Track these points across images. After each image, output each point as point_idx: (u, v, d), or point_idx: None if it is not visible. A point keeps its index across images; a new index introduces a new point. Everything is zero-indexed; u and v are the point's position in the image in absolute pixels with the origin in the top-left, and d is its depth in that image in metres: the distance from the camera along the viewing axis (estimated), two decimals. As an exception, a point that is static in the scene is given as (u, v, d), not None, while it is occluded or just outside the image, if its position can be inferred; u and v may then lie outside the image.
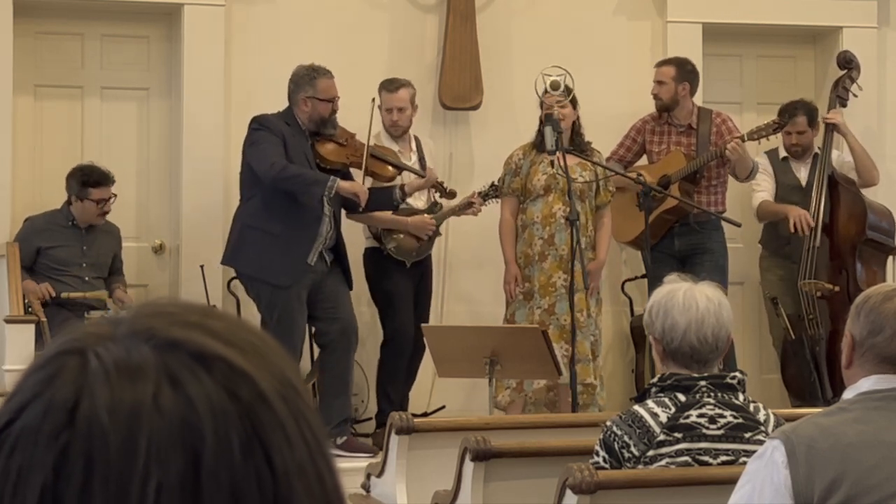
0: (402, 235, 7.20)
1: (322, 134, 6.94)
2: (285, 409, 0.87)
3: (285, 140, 6.78)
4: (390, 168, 7.09)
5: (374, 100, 6.98)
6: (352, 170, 7.01)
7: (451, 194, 7.32)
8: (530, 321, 6.95)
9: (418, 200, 7.34)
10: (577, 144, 7.04)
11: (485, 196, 7.26)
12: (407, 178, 7.24)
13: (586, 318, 7.03)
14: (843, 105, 7.94)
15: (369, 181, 7.06)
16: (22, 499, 0.84)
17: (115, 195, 7.16)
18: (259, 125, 6.82)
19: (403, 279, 7.22)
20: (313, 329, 7.15)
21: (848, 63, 7.93)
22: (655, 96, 7.58)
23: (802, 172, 7.88)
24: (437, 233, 7.30)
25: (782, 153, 7.94)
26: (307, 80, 6.90)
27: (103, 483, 0.83)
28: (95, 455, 0.83)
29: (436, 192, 7.36)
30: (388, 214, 7.21)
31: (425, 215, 7.25)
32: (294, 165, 6.72)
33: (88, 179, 7.06)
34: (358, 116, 7.00)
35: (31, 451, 0.84)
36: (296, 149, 6.81)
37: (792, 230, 7.58)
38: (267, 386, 0.87)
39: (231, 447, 0.84)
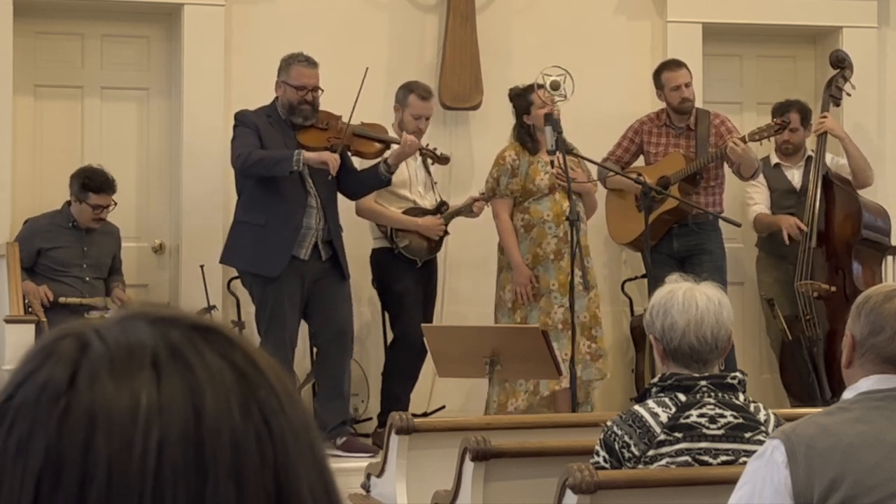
0: (413, 234, 7.18)
1: (294, 124, 6.90)
2: (278, 382, 0.91)
3: (259, 131, 6.77)
4: (375, 144, 7.00)
5: (366, 70, 6.80)
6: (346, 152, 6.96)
7: (444, 159, 7.22)
8: (544, 322, 6.94)
9: (425, 200, 7.33)
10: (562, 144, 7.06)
11: (488, 198, 7.25)
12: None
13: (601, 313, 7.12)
14: (837, 104, 7.94)
15: (358, 161, 7.06)
16: (23, 466, 0.85)
17: (115, 203, 7.14)
18: (235, 121, 6.86)
19: (413, 280, 7.21)
20: (310, 329, 7.16)
21: (840, 62, 7.93)
22: (686, 99, 7.54)
23: (795, 176, 7.89)
24: (445, 232, 7.30)
25: (774, 160, 7.95)
26: (285, 64, 6.92)
27: (106, 438, 0.84)
28: (97, 412, 0.85)
29: (429, 159, 7.26)
30: (398, 214, 7.20)
31: (434, 217, 7.22)
32: (260, 150, 6.72)
33: (89, 183, 7.05)
34: (358, 115, 6.98)
35: (31, 419, 0.86)
36: (274, 139, 6.79)
37: (787, 241, 7.61)
38: (260, 360, 0.91)
39: (230, 407, 0.87)
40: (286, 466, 0.87)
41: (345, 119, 6.89)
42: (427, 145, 7.17)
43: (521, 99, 7.10)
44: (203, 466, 0.85)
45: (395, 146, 6.94)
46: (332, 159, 6.68)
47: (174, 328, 0.89)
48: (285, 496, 0.87)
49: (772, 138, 7.63)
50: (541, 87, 6.97)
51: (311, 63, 6.90)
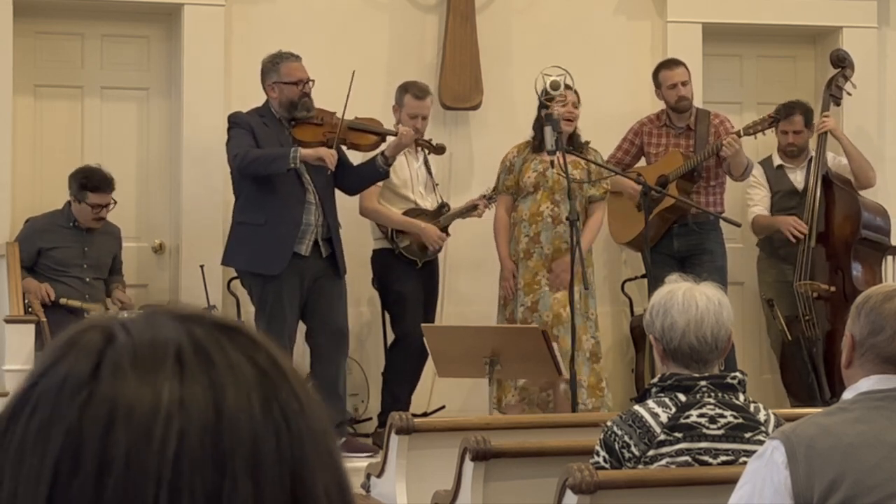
0: (414, 235, 7.19)
1: (297, 118, 6.92)
2: (300, 385, 0.91)
3: (254, 131, 6.79)
4: (370, 136, 7.00)
5: (353, 73, 6.78)
6: (341, 146, 6.96)
7: (440, 149, 7.21)
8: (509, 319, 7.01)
9: (426, 200, 7.33)
10: (575, 143, 7.06)
11: (489, 198, 7.26)
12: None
13: (581, 318, 7.02)
14: (837, 104, 7.94)
15: (358, 155, 7.06)
16: (43, 451, 0.86)
17: (115, 202, 7.15)
18: (229, 123, 6.87)
19: (413, 280, 7.21)
20: (306, 329, 7.15)
21: (841, 62, 7.93)
22: (682, 97, 7.55)
23: (798, 176, 7.88)
24: (447, 234, 7.30)
25: (776, 161, 7.95)
26: (271, 66, 6.92)
27: (126, 426, 0.85)
28: (119, 402, 0.86)
29: (425, 150, 7.26)
30: (399, 215, 7.20)
31: (436, 228, 7.21)
32: (256, 149, 6.73)
33: (87, 183, 7.05)
34: (357, 115, 6.98)
35: (53, 406, 0.87)
36: (269, 138, 6.81)
37: (794, 240, 7.61)
38: (283, 362, 0.92)
39: (251, 403, 0.87)
40: (303, 465, 0.88)
41: (339, 115, 6.89)
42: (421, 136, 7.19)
43: (545, 93, 7.11)
44: (221, 458, 0.85)
45: (391, 139, 6.96)
46: (329, 155, 6.70)
47: (199, 325, 0.90)
48: (301, 494, 0.87)
49: (767, 132, 7.62)
50: (568, 88, 7.01)
51: (296, 57, 6.94)
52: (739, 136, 7.34)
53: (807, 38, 8.60)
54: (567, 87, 7.03)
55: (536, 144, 7.10)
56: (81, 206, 7.08)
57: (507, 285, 7.15)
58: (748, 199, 7.88)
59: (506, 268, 7.18)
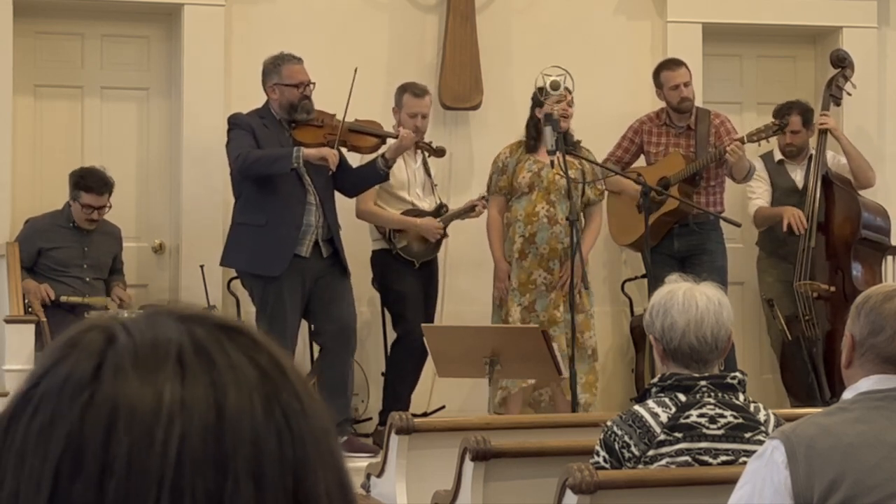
0: (411, 235, 7.20)
1: (297, 120, 6.92)
2: (301, 385, 0.91)
3: (255, 132, 6.79)
4: (371, 138, 7.01)
5: (355, 70, 6.79)
6: (341, 148, 6.96)
7: (440, 152, 7.22)
8: (505, 320, 7.00)
9: (424, 202, 7.33)
10: (568, 142, 7.05)
11: (487, 199, 7.27)
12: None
13: (582, 315, 7.02)
14: (837, 104, 7.94)
15: (357, 157, 7.06)
16: (44, 453, 0.85)
17: (110, 205, 7.14)
18: (229, 124, 6.87)
19: (413, 280, 7.22)
20: (312, 327, 7.16)
21: (841, 61, 7.93)
22: (685, 98, 7.54)
23: (798, 174, 7.88)
24: (444, 234, 7.31)
25: (777, 156, 7.95)
26: (272, 68, 6.93)
27: (128, 429, 0.85)
28: (120, 403, 0.85)
29: (426, 152, 7.27)
30: (396, 214, 7.21)
31: (433, 219, 7.23)
32: (258, 150, 6.73)
33: (81, 182, 7.06)
34: (358, 115, 6.98)
35: (54, 407, 0.86)
36: (269, 139, 6.81)
37: (786, 230, 7.59)
38: (284, 362, 0.92)
39: (253, 405, 0.87)
40: (305, 466, 0.88)
41: (339, 117, 6.89)
42: (422, 139, 7.19)
43: (541, 92, 7.10)
44: (223, 461, 0.85)
45: (391, 141, 6.96)
46: (332, 155, 6.71)
47: (200, 326, 0.90)
48: (302, 495, 0.87)
49: (771, 138, 7.62)
50: (567, 89, 7.01)
51: (298, 59, 6.95)
52: (743, 143, 7.33)
53: (807, 38, 8.60)
54: (567, 89, 7.03)
55: (531, 144, 7.10)
56: (75, 205, 7.09)
57: (502, 286, 7.16)
58: (749, 191, 7.88)
59: (500, 268, 7.19)
